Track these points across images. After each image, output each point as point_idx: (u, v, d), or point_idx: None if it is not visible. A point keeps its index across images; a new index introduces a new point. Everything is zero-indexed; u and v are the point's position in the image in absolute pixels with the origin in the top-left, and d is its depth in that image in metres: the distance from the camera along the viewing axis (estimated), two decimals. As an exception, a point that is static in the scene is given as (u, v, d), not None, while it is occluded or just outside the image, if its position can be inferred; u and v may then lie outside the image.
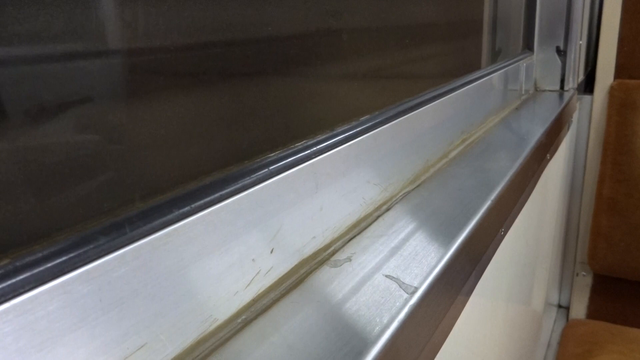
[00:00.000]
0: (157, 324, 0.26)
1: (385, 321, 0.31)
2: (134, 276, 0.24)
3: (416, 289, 0.35)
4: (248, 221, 0.32)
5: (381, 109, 0.50)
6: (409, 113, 0.54)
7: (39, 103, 0.22)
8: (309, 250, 0.38)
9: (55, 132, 0.23)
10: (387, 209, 0.48)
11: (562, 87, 1.15)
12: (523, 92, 1.06)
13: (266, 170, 0.33)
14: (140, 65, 0.28)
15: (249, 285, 0.32)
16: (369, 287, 0.35)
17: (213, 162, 0.32)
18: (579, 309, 1.55)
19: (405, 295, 0.34)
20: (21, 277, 0.20)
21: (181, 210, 0.27)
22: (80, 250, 0.22)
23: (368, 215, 0.46)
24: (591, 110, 1.38)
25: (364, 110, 0.48)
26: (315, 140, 0.39)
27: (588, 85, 1.39)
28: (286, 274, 0.35)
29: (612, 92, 1.34)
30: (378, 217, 0.46)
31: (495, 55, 0.98)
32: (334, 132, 0.42)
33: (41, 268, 0.21)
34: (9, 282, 0.20)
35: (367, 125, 0.46)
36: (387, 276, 0.36)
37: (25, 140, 0.22)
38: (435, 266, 0.38)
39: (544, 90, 1.15)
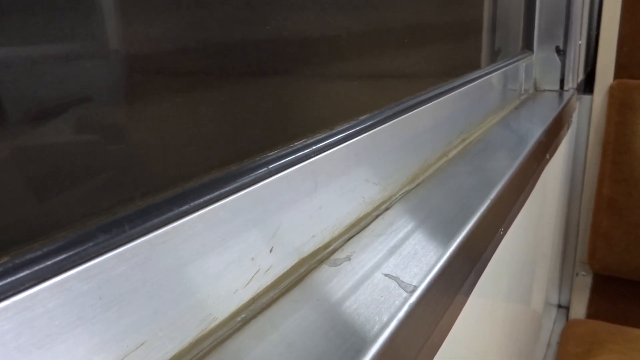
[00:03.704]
0: (156, 322, 0.26)
1: (384, 320, 0.31)
2: (133, 274, 0.24)
3: (415, 287, 0.35)
4: (247, 220, 0.32)
5: (380, 108, 0.50)
6: (408, 112, 0.54)
7: (39, 102, 0.22)
8: (308, 249, 0.38)
9: (54, 131, 0.23)
10: (386, 208, 0.48)
11: (561, 86, 1.15)
12: (522, 92, 1.06)
13: (265, 169, 0.33)
14: (139, 64, 0.28)
15: (248, 283, 0.32)
16: (368, 285, 0.35)
17: (212, 160, 0.32)
18: (579, 309, 1.55)
19: (405, 294, 0.34)
20: (20, 274, 0.20)
21: (180, 209, 0.27)
22: (80, 248, 0.22)
23: (367, 215, 0.46)
24: (591, 110, 1.38)
25: (363, 109, 0.48)
26: (314, 139, 0.39)
27: (588, 85, 1.39)
28: (285, 272, 0.36)
29: (611, 92, 1.34)
30: (377, 216, 0.46)
31: (495, 55, 0.98)
32: (333, 131, 0.42)
33: (40, 266, 0.21)
34: (8, 280, 0.20)
35: (366, 124, 0.46)
36: (386, 275, 0.36)
37: (24, 139, 0.22)
38: (434, 265, 0.38)
39: (544, 90, 1.15)
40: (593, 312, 1.53)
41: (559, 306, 1.62)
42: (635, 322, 1.38)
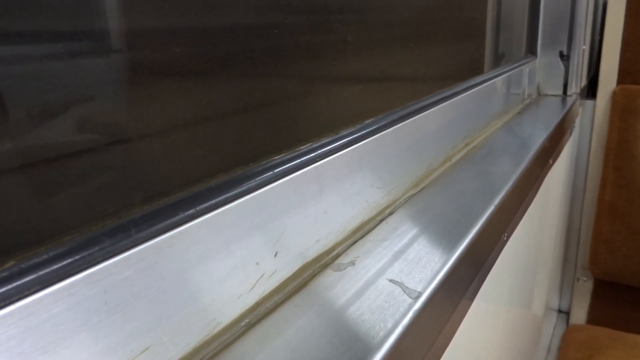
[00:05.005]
0: (161, 327, 0.26)
1: (389, 326, 0.31)
2: (138, 279, 0.24)
3: (420, 293, 0.35)
4: (252, 224, 0.32)
5: (385, 113, 0.50)
6: (412, 117, 0.54)
7: (43, 104, 0.22)
8: (312, 254, 0.38)
9: (59, 134, 0.23)
10: (391, 213, 0.48)
11: (565, 91, 1.14)
12: (526, 97, 1.06)
13: (271, 173, 0.33)
14: (145, 67, 0.27)
15: (252, 288, 0.32)
16: (372, 291, 0.35)
17: (218, 164, 0.31)
18: (580, 314, 1.55)
19: (409, 300, 0.34)
20: (26, 279, 0.20)
21: (186, 213, 0.27)
22: (85, 253, 0.22)
23: (371, 219, 0.46)
24: (594, 115, 1.38)
25: (367, 113, 0.48)
26: (319, 144, 0.39)
27: (591, 90, 1.38)
28: (290, 277, 0.35)
29: (614, 97, 1.34)
30: (381, 220, 0.46)
31: (498, 59, 0.98)
32: (338, 135, 0.42)
33: (46, 270, 0.21)
34: (13, 285, 0.20)
35: (371, 128, 0.46)
36: (390, 280, 0.36)
37: (29, 142, 0.22)
38: (439, 271, 0.38)
39: (547, 95, 1.15)
40: (594, 318, 1.53)
41: (560, 311, 1.61)
42: (636, 328, 1.38)
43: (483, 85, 0.78)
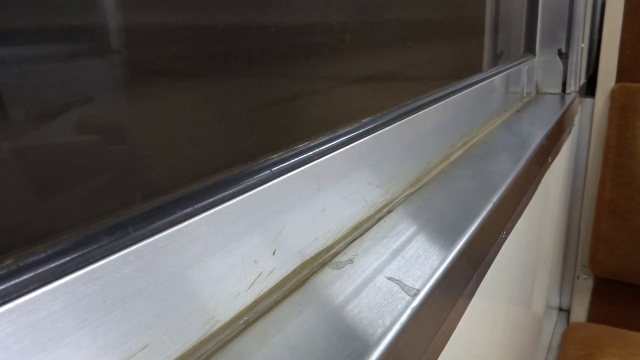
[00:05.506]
0: (160, 325, 0.26)
1: (387, 323, 0.31)
2: (136, 277, 0.24)
3: (418, 291, 0.35)
4: (250, 222, 0.32)
5: (383, 111, 0.50)
6: (410, 115, 0.54)
7: (41, 103, 0.22)
8: (310, 252, 0.38)
9: (58, 132, 0.23)
10: (389, 211, 0.48)
11: (563, 90, 1.15)
12: (524, 95, 1.06)
13: (269, 171, 0.33)
14: (142, 65, 0.28)
15: (251, 286, 0.32)
16: (370, 289, 0.35)
17: (216, 163, 0.32)
18: (580, 312, 1.55)
19: (407, 298, 0.34)
20: (24, 277, 0.20)
21: (184, 211, 0.27)
22: (84, 251, 0.22)
23: (370, 217, 0.46)
24: (592, 113, 1.38)
25: (365, 112, 0.48)
26: (317, 142, 0.39)
27: (590, 89, 1.39)
28: (288, 275, 0.35)
29: (613, 95, 1.34)
30: (380, 219, 0.46)
31: (497, 58, 0.98)
32: (336, 133, 0.42)
33: (44, 268, 0.21)
34: (12, 282, 0.20)
35: (369, 127, 0.46)
36: (389, 278, 0.36)
37: (28, 141, 0.22)
38: (437, 269, 0.38)
39: (546, 93, 1.15)
40: (594, 316, 1.53)
41: (560, 309, 1.62)
42: (636, 325, 1.38)
43: (482, 83, 0.79)
